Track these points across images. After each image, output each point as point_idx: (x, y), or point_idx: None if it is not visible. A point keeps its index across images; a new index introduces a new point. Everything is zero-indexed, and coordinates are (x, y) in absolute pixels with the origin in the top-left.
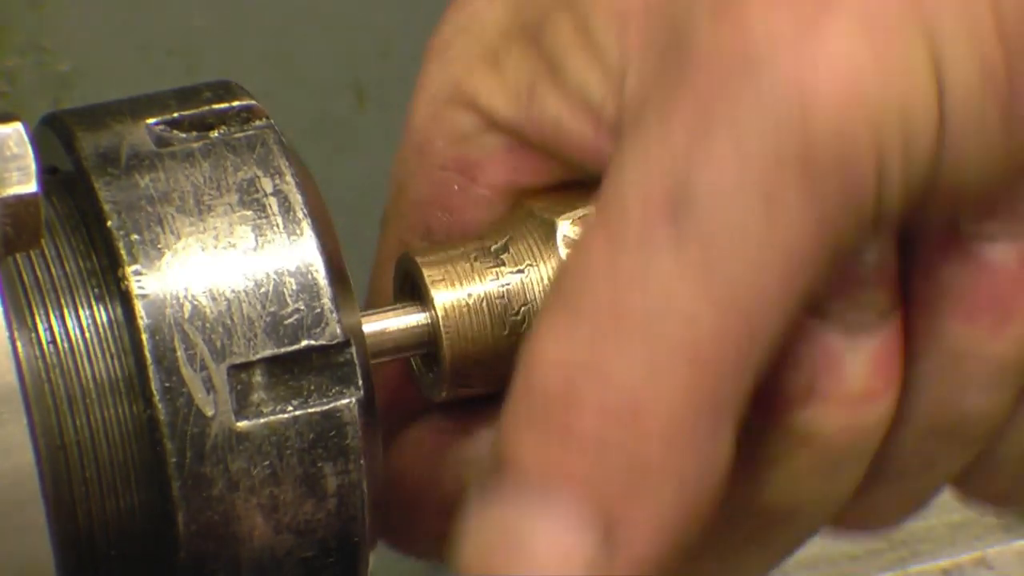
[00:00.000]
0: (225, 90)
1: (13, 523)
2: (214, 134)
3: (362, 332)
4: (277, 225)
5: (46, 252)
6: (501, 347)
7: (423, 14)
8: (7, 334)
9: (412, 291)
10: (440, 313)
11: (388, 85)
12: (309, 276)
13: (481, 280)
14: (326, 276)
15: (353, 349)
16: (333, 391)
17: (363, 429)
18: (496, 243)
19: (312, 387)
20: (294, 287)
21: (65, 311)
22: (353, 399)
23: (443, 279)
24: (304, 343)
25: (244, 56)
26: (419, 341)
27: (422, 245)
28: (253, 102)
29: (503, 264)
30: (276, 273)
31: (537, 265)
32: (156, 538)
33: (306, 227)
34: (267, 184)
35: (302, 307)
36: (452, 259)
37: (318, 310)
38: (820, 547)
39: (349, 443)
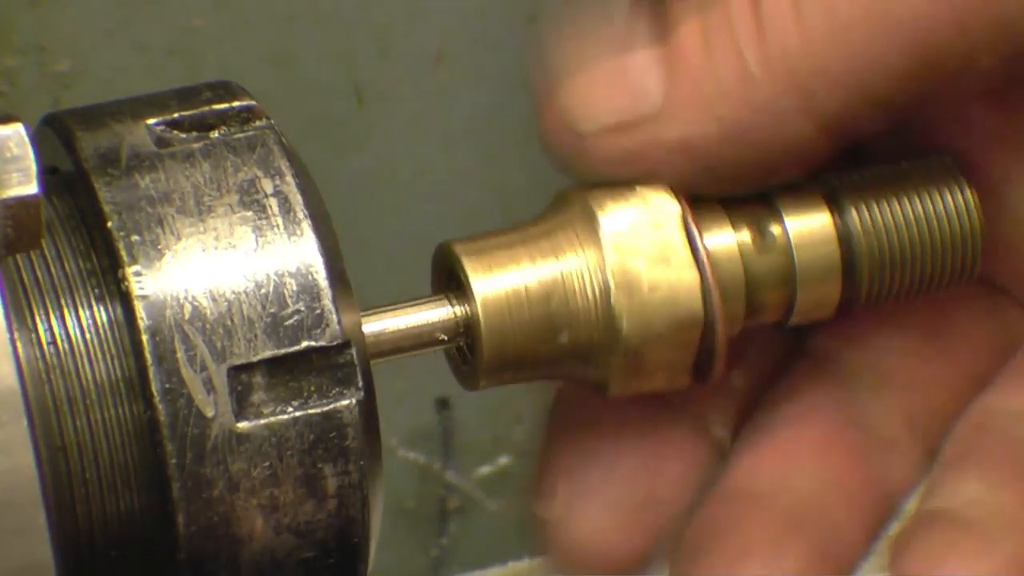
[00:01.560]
0: (225, 90)
1: (13, 524)
2: (214, 134)
3: (362, 333)
4: (277, 226)
5: (46, 252)
6: (540, 336)
7: (422, 14)
8: (7, 335)
9: (450, 281)
10: (479, 303)
11: (388, 85)
12: (309, 277)
13: (520, 270)
14: (326, 277)
15: (353, 350)
16: (333, 392)
17: (363, 430)
18: (538, 232)
19: (312, 388)
20: (294, 288)
21: (65, 312)
22: (353, 400)
23: (482, 269)
24: (304, 344)
25: (244, 56)
26: (421, 340)
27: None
28: (253, 102)
29: (544, 253)
30: (276, 274)
31: (578, 255)
32: (156, 539)
33: (306, 228)
34: (267, 185)
35: (302, 308)
36: (491, 248)
37: (318, 311)
38: None
39: (349, 444)
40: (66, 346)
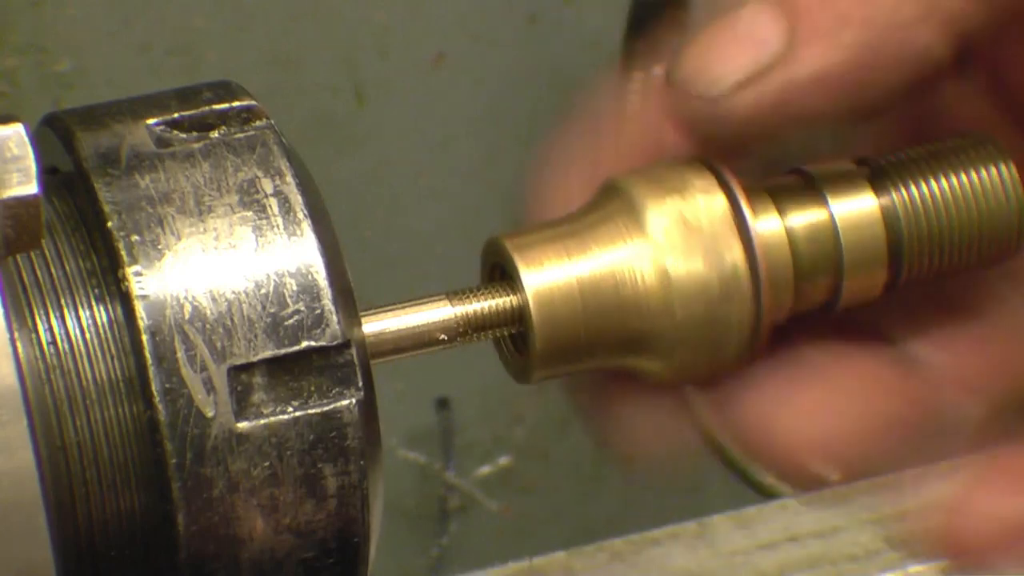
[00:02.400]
0: (225, 90)
1: (13, 524)
2: (214, 134)
3: (362, 333)
4: (277, 226)
5: (46, 252)
6: (591, 327)
7: (422, 14)
8: (7, 335)
9: (499, 275)
10: (529, 296)
11: (388, 85)
12: (309, 277)
13: (570, 262)
14: (326, 277)
15: (353, 350)
16: (333, 392)
17: (363, 430)
18: (586, 224)
19: (312, 388)
20: (294, 288)
21: (65, 312)
22: (353, 400)
23: (532, 262)
24: (304, 344)
25: (244, 56)
26: (421, 340)
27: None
28: (253, 102)
29: (593, 245)
30: (276, 274)
31: (627, 246)
32: (156, 539)
33: (306, 228)
34: (267, 185)
35: (302, 308)
36: (540, 241)
37: (318, 311)
38: (820, 547)
39: (349, 444)
40: (66, 346)
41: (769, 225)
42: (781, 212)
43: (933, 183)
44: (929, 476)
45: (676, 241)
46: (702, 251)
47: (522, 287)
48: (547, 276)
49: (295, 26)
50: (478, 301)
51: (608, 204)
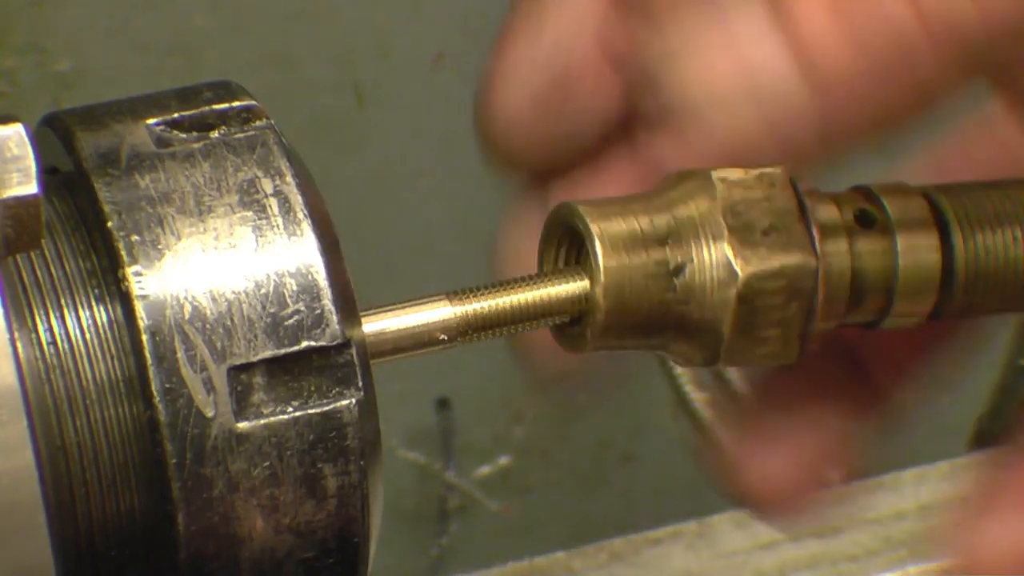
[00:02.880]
0: (225, 90)
1: (13, 524)
2: (214, 134)
3: (362, 332)
4: (277, 226)
5: (46, 252)
6: (655, 308)
7: (422, 14)
8: (7, 335)
9: (570, 240)
10: (601, 272)
11: (388, 85)
12: (309, 277)
13: (637, 220)
14: (326, 277)
15: (353, 350)
16: (333, 392)
17: (363, 430)
18: (660, 208)
19: (312, 388)
20: (294, 288)
21: (65, 312)
22: (353, 400)
23: (606, 239)
24: (304, 344)
25: (244, 56)
26: (421, 340)
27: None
28: (253, 102)
29: (660, 211)
30: (276, 274)
31: (696, 237)
32: (156, 539)
33: (306, 228)
34: (267, 185)
35: (302, 308)
36: (608, 203)
37: (318, 311)
38: (820, 547)
39: (349, 444)
40: (66, 346)
41: (834, 233)
42: (841, 211)
43: (994, 220)
44: (929, 476)
45: (742, 233)
46: (767, 249)
47: (591, 235)
48: (614, 227)
49: (295, 26)
50: (478, 301)
51: (681, 185)
